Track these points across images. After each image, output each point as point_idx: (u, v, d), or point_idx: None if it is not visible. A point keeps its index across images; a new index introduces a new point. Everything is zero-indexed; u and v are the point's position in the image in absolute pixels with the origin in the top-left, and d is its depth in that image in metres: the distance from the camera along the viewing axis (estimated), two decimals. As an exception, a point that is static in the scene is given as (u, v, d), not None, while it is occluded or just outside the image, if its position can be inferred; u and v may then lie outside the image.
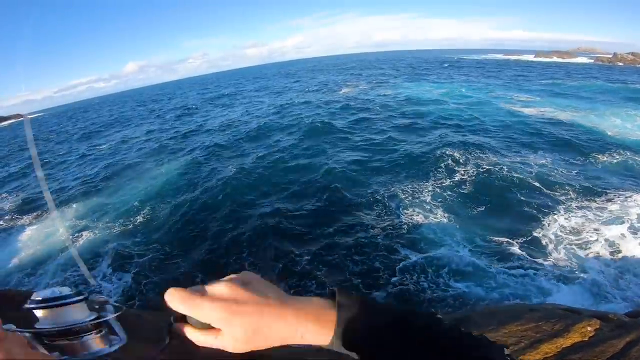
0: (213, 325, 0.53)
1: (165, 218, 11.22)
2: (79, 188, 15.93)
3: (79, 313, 0.48)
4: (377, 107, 24.49)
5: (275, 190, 12.33)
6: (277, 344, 0.55)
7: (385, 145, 16.44)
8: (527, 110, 21.58)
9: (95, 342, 0.49)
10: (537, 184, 11.18)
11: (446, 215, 9.86)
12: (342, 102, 26.78)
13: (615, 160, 13.04)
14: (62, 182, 17.61)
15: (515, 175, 11.85)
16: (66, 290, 0.49)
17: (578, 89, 30.77)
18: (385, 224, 9.71)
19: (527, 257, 7.81)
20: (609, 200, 10.02)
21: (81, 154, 23.56)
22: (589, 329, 3.08)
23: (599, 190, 10.49)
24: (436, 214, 9.95)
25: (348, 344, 0.54)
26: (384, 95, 30.11)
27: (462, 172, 12.42)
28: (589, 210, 9.53)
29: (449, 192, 11.14)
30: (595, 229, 8.60)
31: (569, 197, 10.32)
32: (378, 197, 11.08)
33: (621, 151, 13.64)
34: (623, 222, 8.75)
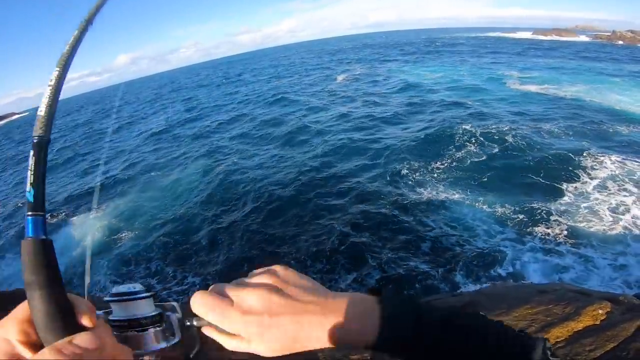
0: (242, 332, 0.51)
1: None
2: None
3: (147, 308, 0.53)
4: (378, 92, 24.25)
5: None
6: (317, 347, 0.52)
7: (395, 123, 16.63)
8: (528, 88, 21.48)
9: (156, 337, 0.53)
10: (549, 158, 11.17)
11: (457, 191, 9.92)
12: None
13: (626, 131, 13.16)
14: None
15: (528, 150, 11.93)
16: (138, 287, 0.55)
17: (577, 66, 30.44)
18: (397, 199, 9.84)
19: (542, 232, 7.84)
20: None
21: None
22: (600, 312, 3.04)
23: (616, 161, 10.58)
24: (447, 191, 10.03)
25: (393, 344, 0.51)
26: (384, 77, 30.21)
27: (473, 149, 12.50)
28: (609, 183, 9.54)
29: (460, 169, 11.22)
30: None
31: (586, 169, 10.35)
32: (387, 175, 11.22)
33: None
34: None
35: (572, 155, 11.09)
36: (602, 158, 10.89)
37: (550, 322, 2.91)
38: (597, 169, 10.28)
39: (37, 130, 0.47)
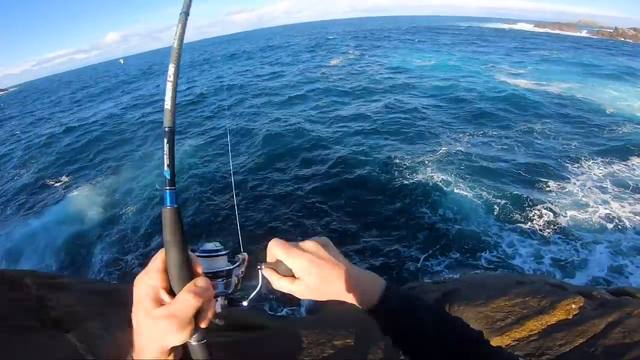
0: (295, 273, 0.69)
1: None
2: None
3: (223, 262, 0.69)
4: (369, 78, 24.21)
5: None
6: (338, 298, 0.70)
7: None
8: (519, 82, 21.42)
9: (226, 285, 0.68)
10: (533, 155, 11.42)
11: (446, 178, 10.07)
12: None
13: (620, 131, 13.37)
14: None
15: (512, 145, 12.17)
16: (219, 245, 0.70)
17: (576, 61, 30.16)
18: (385, 185, 10.02)
19: (523, 223, 8.12)
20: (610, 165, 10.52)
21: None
22: (573, 306, 3.18)
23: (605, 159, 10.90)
24: (436, 176, 10.18)
25: (388, 313, 0.71)
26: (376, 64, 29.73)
27: (457, 141, 12.72)
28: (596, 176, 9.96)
29: (445, 160, 11.34)
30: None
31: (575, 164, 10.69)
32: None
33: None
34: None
35: (558, 151, 11.47)
36: (586, 155, 11.25)
37: (526, 315, 3.04)
38: (580, 166, 10.62)
39: (167, 122, 0.58)
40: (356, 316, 3.21)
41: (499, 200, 8.87)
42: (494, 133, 13.31)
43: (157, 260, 0.59)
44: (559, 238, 7.59)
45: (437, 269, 6.94)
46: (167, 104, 0.58)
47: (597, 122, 14.26)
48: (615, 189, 9.35)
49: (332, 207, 9.21)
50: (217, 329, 0.64)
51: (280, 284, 0.70)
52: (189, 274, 0.58)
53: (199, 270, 0.60)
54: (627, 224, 8.00)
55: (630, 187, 9.36)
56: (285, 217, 8.98)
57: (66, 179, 14.66)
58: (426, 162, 11.12)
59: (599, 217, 8.27)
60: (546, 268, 6.72)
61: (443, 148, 12.05)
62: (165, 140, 0.58)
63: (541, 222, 8.09)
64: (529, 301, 3.21)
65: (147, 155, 15.19)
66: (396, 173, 10.62)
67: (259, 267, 0.73)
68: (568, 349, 2.73)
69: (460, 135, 13.25)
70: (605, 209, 8.53)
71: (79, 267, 8.75)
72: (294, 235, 8.18)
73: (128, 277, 7.73)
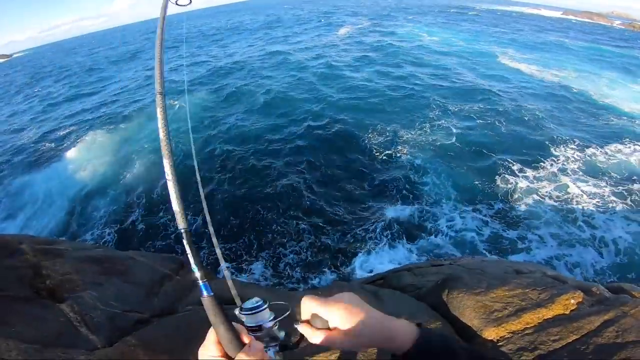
0: (331, 323, 0.72)
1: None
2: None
3: (267, 314, 0.76)
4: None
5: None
6: (373, 345, 0.73)
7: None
8: (521, 66, 20.92)
9: (275, 332, 0.77)
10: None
11: (424, 156, 10.34)
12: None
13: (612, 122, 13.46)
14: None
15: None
16: (259, 301, 0.76)
17: (592, 50, 29.09)
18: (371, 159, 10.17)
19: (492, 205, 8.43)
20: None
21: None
22: (572, 301, 3.16)
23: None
24: (414, 154, 10.44)
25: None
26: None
27: (448, 121, 12.76)
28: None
29: (430, 137, 11.53)
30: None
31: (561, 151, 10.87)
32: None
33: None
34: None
35: (541, 138, 11.56)
36: (567, 143, 11.37)
37: (524, 307, 3.02)
38: (560, 154, 10.77)
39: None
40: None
41: (470, 181, 9.26)
42: (478, 108, 13.74)
43: (211, 335, 0.72)
44: (525, 221, 7.98)
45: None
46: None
47: (585, 110, 14.54)
48: (581, 173, 9.74)
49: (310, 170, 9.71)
50: None
51: (317, 337, 0.74)
52: (239, 342, 0.71)
53: (246, 338, 0.72)
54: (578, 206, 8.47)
55: (596, 172, 9.78)
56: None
57: (71, 133, 14.73)
58: (403, 134, 11.52)
59: (556, 197, 8.74)
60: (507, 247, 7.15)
61: (424, 123, 12.47)
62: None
63: (508, 205, 8.50)
64: (529, 293, 3.19)
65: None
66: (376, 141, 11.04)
67: (295, 324, 0.79)
68: (560, 345, 2.72)
69: (443, 110, 13.61)
70: (561, 190, 8.98)
71: (79, 225, 8.84)
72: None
73: (126, 243, 7.85)
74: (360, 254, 7.13)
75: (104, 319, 2.12)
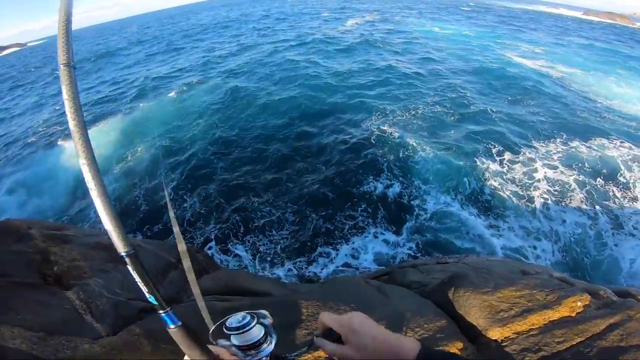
0: (345, 337, 0.80)
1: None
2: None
3: (257, 330, 0.75)
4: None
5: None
6: (381, 358, 0.77)
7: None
8: (527, 62, 20.72)
9: (266, 346, 0.75)
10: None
11: (418, 141, 10.49)
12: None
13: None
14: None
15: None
16: (246, 317, 0.75)
17: (605, 50, 28.44)
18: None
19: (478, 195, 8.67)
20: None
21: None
22: (579, 304, 3.12)
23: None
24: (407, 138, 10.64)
25: None
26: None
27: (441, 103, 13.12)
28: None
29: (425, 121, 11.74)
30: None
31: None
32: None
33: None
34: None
35: (529, 126, 11.98)
36: (555, 133, 11.72)
37: (530, 308, 2.99)
38: (543, 144, 11.11)
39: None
40: (359, 291, 3.22)
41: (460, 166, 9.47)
42: (475, 99, 14.01)
43: None
44: (501, 212, 8.23)
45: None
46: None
47: (585, 107, 14.55)
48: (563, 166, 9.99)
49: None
50: None
51: (332, 349, 0.82)
52: None
53: (227, 356, 0.74)
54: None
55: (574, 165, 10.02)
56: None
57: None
58: (398, 119, 11.82)
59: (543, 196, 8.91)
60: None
61: (418, 108, 12.76)
62: (130, 267, 0.61)
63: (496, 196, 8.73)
64: (536, 294, 3.15)
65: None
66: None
67: (312, 336, 0.86)
68: (564, 347, 2.70)
69: (439, 98, 13.88)
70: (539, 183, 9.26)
71: (89, 212, 8.97)
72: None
73: (134, 233, 7.97)
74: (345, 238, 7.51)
75: (109, 307, 2.13)
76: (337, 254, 7.09)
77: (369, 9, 48.93)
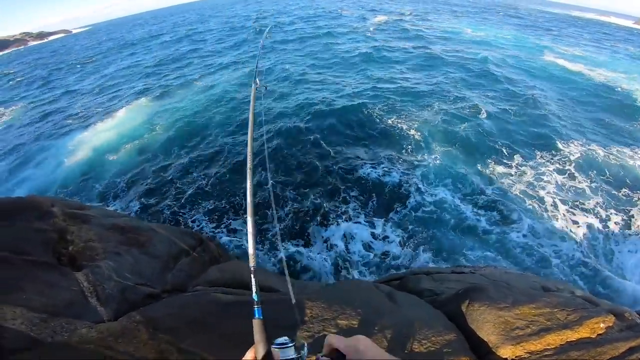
0: (352, 355, 0.86)
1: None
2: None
3: (292, 351, 0.90)
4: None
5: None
6: None
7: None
8: (567, 64, 19.85)
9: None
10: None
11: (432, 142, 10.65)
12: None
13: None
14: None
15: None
16: (287, 339, 0.91)
17: None
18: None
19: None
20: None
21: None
22: (601, 325, 2.93)
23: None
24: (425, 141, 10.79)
25: None
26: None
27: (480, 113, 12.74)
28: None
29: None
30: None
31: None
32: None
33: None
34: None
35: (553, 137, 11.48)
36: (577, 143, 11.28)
37: (549, 327, 2.83)
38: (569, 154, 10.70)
39: None
40: (368, 295, 3.14)
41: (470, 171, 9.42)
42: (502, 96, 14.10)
43: (250, 353, 0.88)
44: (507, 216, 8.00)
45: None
46: None
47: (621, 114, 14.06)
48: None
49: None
50: None
51: None
52: None
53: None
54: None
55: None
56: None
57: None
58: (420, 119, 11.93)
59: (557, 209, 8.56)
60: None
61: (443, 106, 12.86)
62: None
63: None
64: (557, 313, 2.98)
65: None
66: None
67: (316, 358, 0.92)
68: (580, 370, 2.54)
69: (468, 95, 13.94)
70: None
71: (113, 192, 9.30)
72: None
73: (150, 217, 8.22)
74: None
75: (115, 291, 2.16)
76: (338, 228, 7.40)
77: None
